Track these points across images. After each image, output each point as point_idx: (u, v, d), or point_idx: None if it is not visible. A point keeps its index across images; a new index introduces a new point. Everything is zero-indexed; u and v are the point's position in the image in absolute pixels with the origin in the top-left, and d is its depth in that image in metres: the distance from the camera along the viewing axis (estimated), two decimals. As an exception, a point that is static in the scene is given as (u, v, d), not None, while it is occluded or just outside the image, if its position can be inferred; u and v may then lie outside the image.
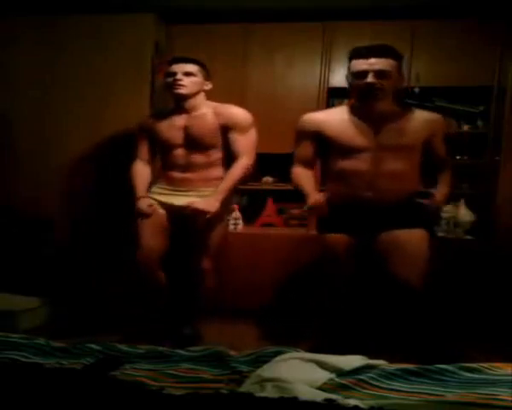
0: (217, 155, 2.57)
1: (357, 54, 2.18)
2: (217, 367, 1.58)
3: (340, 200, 2.27)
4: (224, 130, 2.52)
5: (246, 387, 1.38)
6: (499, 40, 3.09)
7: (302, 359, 1.54)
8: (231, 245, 3.15)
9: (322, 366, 1.51)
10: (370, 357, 1.59)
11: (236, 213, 3.32)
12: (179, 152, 2.57)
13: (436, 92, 3.27)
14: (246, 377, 1.45)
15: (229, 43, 3.36)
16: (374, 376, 1.47)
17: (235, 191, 2.78)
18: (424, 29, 3.19)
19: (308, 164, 2.39)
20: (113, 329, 2.78)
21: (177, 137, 2.56)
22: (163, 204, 2.59)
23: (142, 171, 2.65)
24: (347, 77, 2.24)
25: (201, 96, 2.59)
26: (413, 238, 2.20)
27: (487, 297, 2.94)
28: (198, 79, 2.54)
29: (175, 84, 2.50)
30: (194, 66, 2.53)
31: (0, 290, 3.03)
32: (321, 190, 2.38)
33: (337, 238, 2.29)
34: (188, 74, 2.51)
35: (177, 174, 2.59)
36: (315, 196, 2.24)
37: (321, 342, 2.29)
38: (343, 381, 1.45)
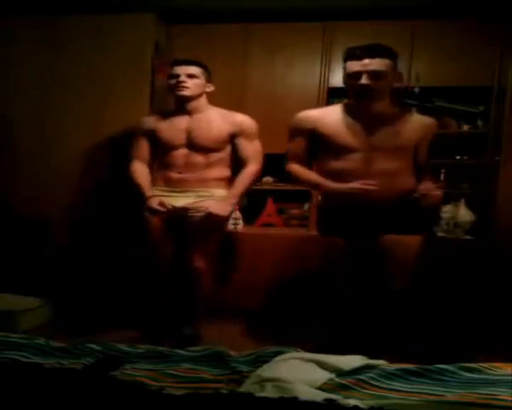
0: (216, 156, 2.60)
1: (350, 55, 2.16)
2: (217, 367, 1.58)
3: (335, 201, 2.27)
4: (232, 136, 2.60)
5: (246, 387, 1.38)
6: (499, 40, 3.09)
7: (302, 359, 1.54)
8: (234, 245, 3.15)
9: (322, 366, 1.51)
10: (370, 357, 1.60)
11: (236, 213, 3.32)
12: (179, 153, 2.58)
13: (436, 92, 3.27)
14: (246, 377, 1.45)
15: (229, 43, 3.36)
16: (374, 376, 1.47)
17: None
18: (424, 29, 3.19)
19: (303, 162, 2.36)
20: (113, 329, 2.77)
21: (178, 138, 2.58)
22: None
23: (142, 171, 2.65)
24: (343, 77, 2.23)
25: (203, 98, 2.62)
26: (408, 243, 2.20)
27: (487, 297, 2.94)
28: (201, 81, 2.58)
29: (178, 86, 2.53)
30: (196, 68, 2.57)
31: (0, 290, 3.03)
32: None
33: (335, 240, 2.28)
34: (191, 76, 2.54)
35: (174, 175, 2.60)
36: (351, 184, 2.15)
37: (321, 342, 2.29)
38: (343, 381, 1.45)
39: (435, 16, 3.18)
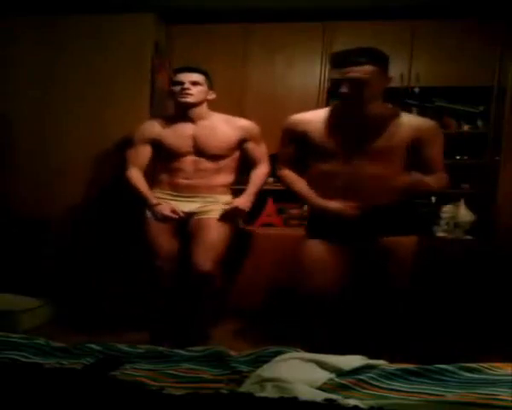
0: (224, 162, 2.65)
1: (333, 61, 2.11)
2: (217, 367, 1.57)
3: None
4: (242, 142, 2.66)
5: (246, 387, 1.38)
6: (499, 40, 3.09)
7: (302, 359, 1.54)
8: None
9: (322, 366, 1.51)
10: (370, 357, 1.59)
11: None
12: (187, 160, 2.62)
13: (436, 92, 3.27)
14: (246, 377, 1.45)
15: (229, 43, 3.37)
16: (374, 376, 1.47)
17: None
18: (424, 29, 3.19)
19: (294, 166, 2.33)
20: (113, 329, 2.78)
21: (185, 145, 2.61)
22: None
23: (140, 177, 2.66)
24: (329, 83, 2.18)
25: (205, 106, 2.65)
26: (403, 245, 2.19)
27: (487, 297, 2.94)
28: (203, 88, 2.61)
29: (183, 93, 2.55)
30: (200, 75, 2.60)
31: (0, 290, 3.03)
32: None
33: (322, 244, 2.23)
34: (195, 83, 2.57)
35: (182, 181, 2.63)
36: (334, 204, 2.16)
37: (321, 342, 2.28)
38: (343, 381, 1.45)
39: (435, 16, 3.18)
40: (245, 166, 2.76)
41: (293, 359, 1.54)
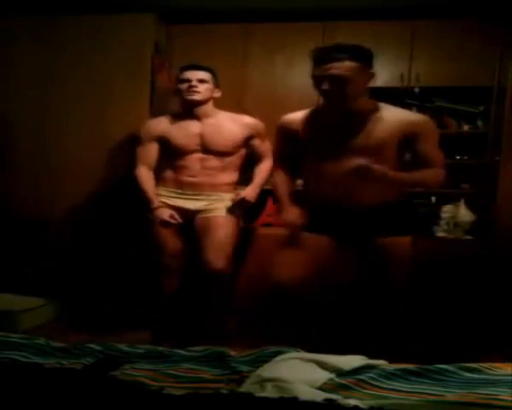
0: (230, 160, 2.67)
1: (314, 57, 2.06)
2: (217, 367, 1.57)
3: (316, 203, 2.24)
4: (248, 139, 2.68)
5: (246, 387, 1.38)
6: (499, 40, 3.09)
7: (302, 359, 1.54)
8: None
9: (322, 366, 1.51)
10: (370, 357, 1.59)
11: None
12: (194, 157, 2.62)
13: (436, 92, 3.27)
14: (246, 377, 1.45)
15: (229, 43, 3.36)
16: (374, 376, 1.47)
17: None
18: (424, 29, 3.19)
19: (288, 165, 2.34)
20: (113, 329, 2.78)
21: (192, 143, 2.61)
22: (172, 207, 2.63)
23: (148, 177, 2.66)
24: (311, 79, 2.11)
25: (211, 103, 2.66)
26: (398, 245, 2.17)
27: (487, 297, 2.94)
28: (210, 86, 2.62)
29: (190, 90, 2.56)
30: (206, 73, 2.61)
31: (0, 290, 3.03)
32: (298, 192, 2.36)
33: (318, 239, 2.22)
34: (201, 81, 2.58)
35: (187, 178, 2.63)
36: (290, 213, 2.21)
37: (320, 342, 2.28)
38: (343, 381, 1.45)
39: (435, 16, 3.18)
40: (247, 164, 2.77)
41: (293, 359, 1.54)
